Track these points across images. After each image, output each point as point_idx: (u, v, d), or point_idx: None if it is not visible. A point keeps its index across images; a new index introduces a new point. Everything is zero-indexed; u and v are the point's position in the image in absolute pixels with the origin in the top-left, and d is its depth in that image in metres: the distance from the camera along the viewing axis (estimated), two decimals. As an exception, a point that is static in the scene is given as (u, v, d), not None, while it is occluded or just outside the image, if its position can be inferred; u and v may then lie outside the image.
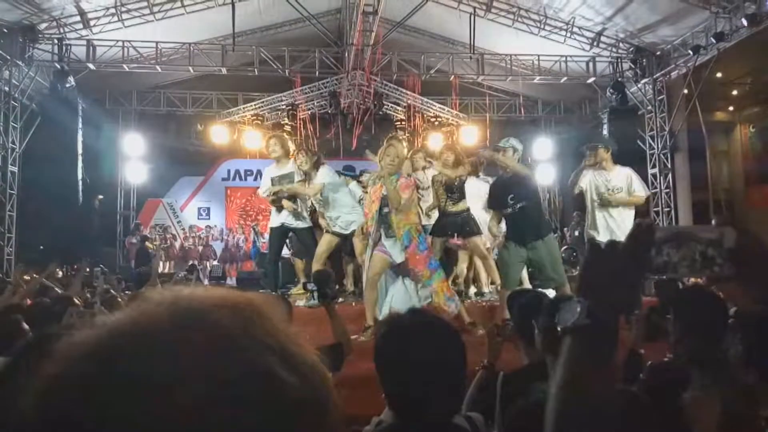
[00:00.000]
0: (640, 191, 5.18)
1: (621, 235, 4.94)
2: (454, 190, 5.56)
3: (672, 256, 0.88)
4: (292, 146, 6.97)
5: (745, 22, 8.33)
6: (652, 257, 0.87)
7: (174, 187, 14.95)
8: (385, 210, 4.60)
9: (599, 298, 0.80)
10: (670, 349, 2.16)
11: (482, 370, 2.44)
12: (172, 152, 13.75)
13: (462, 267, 6.31)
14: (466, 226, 5.54)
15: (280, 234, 5.79)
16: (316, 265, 5.51)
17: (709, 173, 13.04)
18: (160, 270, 12.19)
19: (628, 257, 0.84)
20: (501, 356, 2.51)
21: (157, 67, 10.68)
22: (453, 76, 11.55)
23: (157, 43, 10.43)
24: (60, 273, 10.18)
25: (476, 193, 5.89)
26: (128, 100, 12.99)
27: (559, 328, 0.82)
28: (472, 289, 6.41)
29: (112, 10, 9.75)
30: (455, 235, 5.61)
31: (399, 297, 4.74)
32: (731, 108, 14.05)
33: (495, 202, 4.83)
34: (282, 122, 12.78)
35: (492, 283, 6.12)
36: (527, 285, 5.34)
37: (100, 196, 13.10)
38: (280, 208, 5.62)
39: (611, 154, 5.20)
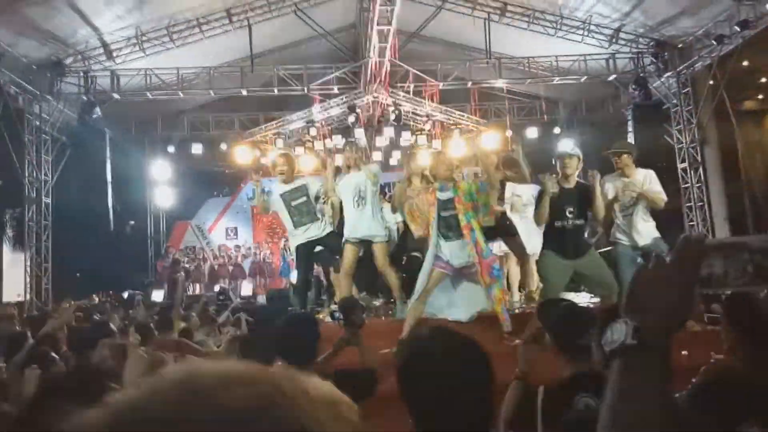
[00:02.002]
0: (659, 189, 5.00)
1: (643, 240, 4.83)
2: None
3: (718, 267, 0.83)
4: (297, 165, 6.95)
5: (769, 8, 8.11)
6: (701, 271, 0.82)
7: (201, 210, 15.19)
8: (446, 213, 4.50)
9: (647, 316, 0.76)
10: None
11: (516, 382, 2.38)
12: (197, 175, 14.02)
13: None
14: (507, 229, 5.48)
15: (307, 250, 5.75)
16: (345, 280, 5.48)
17: (741, 164, 12.67)
18: (189, 292, 12.41)
19: (676, 272, 0.79)
20: (535, 368, 2.44)
21: (180, 92, 10.92)
22: (470, 83, 11.52)
23: (178, 69, 10.66)
24: (96, 299, 10.46)
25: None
26: (154, 127, 13.29)
27: (606, 350, 0.79)
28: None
29: (134, 40, 10.02)
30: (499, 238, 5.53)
31: (466, 301, 4.63)
32: (761, 96, 13.64)
33: (551, 213, 4.49)
34: (303, 139, 12.92)
35: (521, 289, 6.02)
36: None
37: (132, 222, 13.39)
38: (296, 222, 5.55)
39: (633, 160, 5.05)
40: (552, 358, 2.45)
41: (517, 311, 5.36)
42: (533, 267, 5.38)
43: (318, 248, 5.68)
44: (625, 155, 4.98)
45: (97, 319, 6.38)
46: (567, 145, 4.57)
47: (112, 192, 11.54)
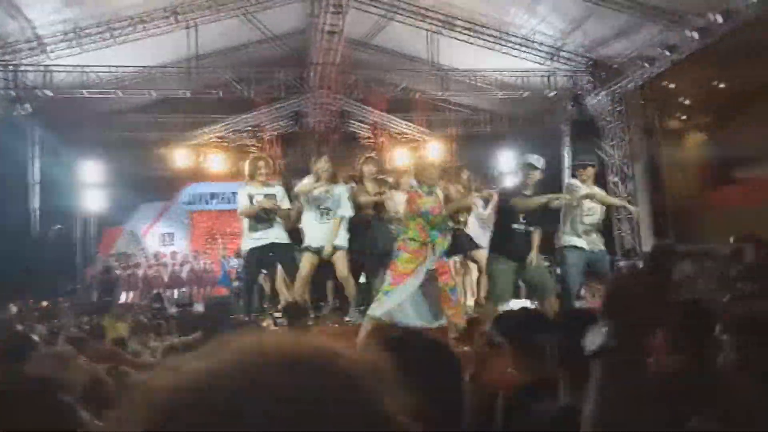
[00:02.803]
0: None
1: (596, 247, 5.09)
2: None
3: (688, 274, 0.92)
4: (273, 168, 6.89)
5: (696, 35, 8.72)
6: (672, 278, 0.90)
7: (135, 214, 14.54)
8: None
9: (624, 320, 0.82)
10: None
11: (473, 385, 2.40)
12: (132, 179, 13.40)
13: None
14: (471, 243, 5.60)
15: (259, 256, 5.65)
16: (299, 287, 5.40)
17: (665, 179, 13.53)
18: (122, 300, 11.84)
19: (650, 279, 0.87)
20: (494, 375, 2.47)
21: (118, 92, 10.45)
22: (416, 94, 11.69)
23: (117, 67, 10.21)
24: (14, 309, 9.76)
25: None
26: (88, 126, 12.62)
27: (586, 352, 0.85)
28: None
29: (71, 35, 9.51)
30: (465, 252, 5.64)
31: (415, 309, 4.63)
32: (684, 117, 14.64)
33: (505, 212, 4.75)
34: (247, 144, 12.67)
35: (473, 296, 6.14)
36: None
37: (58, 226, 12.63)
38: (259, 226, 5.47)
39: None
40: (509, 364, 2.50)
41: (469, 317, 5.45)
42: None
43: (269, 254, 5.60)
44: (590, 167, 5.25)
45: (19, 330, 5.97)
46: (533, 158, 4.81)
47: (39, 194, 10.83)
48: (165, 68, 10.66)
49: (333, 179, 5.44)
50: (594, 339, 0.83)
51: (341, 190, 5.42)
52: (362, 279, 5.67)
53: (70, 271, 12.76)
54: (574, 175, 5.56)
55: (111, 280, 11.12)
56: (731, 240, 5.47)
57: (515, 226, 4.60)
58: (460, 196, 5.42)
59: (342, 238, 5.35)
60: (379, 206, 5.54)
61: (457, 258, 5.71)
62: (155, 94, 10.87)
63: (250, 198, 5.56)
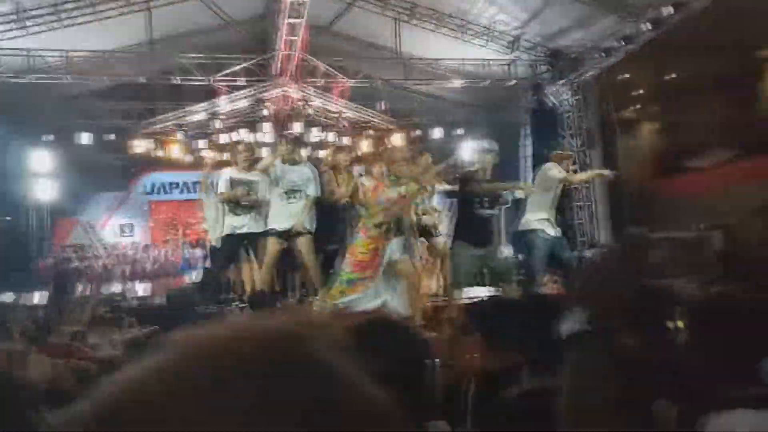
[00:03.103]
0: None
1: (557, 232, 5.23)
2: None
3: (657, 261, 0.95)
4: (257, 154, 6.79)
5: (648, 26, 8.97)
6: (645, 264, 0.92)
7: (91, 205, 14.06)
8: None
9: (598, 306, 0.84)
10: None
11: (441, 370, 2.44)
12: (87, 168, 12.91)
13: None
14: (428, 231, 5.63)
15: (234, 242, 5.57)
16: (264, 274, 5.36)
17: (621, 168, 13.94)
18: (80, 293, 11.45)
19: (622, 265, 0.88)
20: (464, 360, 2.52)
21: (68, 77, 10.03)
22: (380, 81, 11.65)
23: (66, 51, 9.78)
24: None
25: None
26: (36, 113, 12.07)
27: (562, 336, 0.86)
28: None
29: (13, 17, 9.05)
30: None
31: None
32: (639, 106, 15.07)
33: (466, 198, 4.80)
34: (207, 132, 12.38)
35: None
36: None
37: (7, 218, 12.09)
38: (238, 212, 5.40)
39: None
40: (479, 349, 2.55)
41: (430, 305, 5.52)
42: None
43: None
44: (571, 157, 5.41)
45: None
46: (486, 142, 4.90)
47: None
48: (118, 53, 10.28)
49: (298, 158, 5.43)
50: (568, 324, 0.84)
51: (309, 170, 5.39)
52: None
53: (20, 264, 12.25)
54: (547, 160, 5.70)
55: (67, 273, 10.74)
56: (700, 228, 5.69)
57: (478, 211, 4.67)
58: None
59: (308, 222, 5.33)
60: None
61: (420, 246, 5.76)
62: (108, 80, 10.47)
63: (231, 183, 5.47)
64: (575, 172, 11.33)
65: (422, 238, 5.67)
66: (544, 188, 5.24)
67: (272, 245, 5.27)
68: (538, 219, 5.24)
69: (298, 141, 5.84)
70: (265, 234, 5.42)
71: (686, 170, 14.45)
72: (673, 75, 12.85)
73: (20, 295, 9.90)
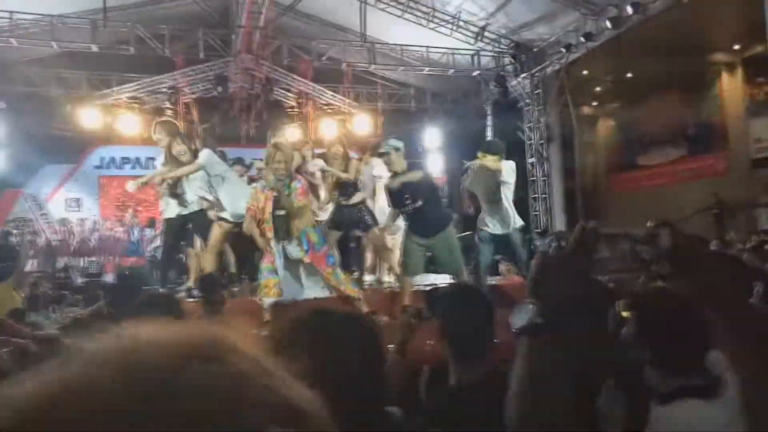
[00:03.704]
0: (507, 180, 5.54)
1: (504, 228, 5.32)
2: (348, 185, 5.64)
3: (604, 254, 0.97)
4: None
5: (609, 24, 9.17)
6: (597, 257, 0.94)
7: (36, 177, 13.43)
8: (279, 213, 4.48)
9: (550, 299, 0.85)
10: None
11: (396, 357, 2.44)
12: (33, 138, 12.30)
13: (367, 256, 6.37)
14: (362, 220, 5.61)
15: (177, 225, 5.42)
16: (209, 257, 5.25)
17: (577, 163, 14.31)
18: (22, 268, 10.96)
19: (574, 259, 0.90)
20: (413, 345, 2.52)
21: (12, 40, 9.49)
22: (345, 64, 11.52)
23: (11, 12, 9.25)
24: None
25: (371, 181, 5.96)
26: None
27: (514, 329, 0.86)
28: (370, 277, 6.47)
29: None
30: (352, 228, 5.66)
31: (314, 287, 4.66)
32: (596, 103, 15.45)
33: (393, 201, 4.94)
34: (162, 106, 11.98)
35: (390, 270, 6.23)
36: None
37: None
38: (175, 196, 5.26)
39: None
40: (431, 336, 2.56)
41: (385, 291, 5.55)
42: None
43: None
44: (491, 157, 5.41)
45: None
46: (392, 141, 4.94)
47: None
48: (69, 19, 9.78)
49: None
50: (520, 316, 0.85)
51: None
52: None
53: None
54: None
55: (8, 247, 10.24)
56: (648, 224, 5.84)
57: (403, 208, 4.79)
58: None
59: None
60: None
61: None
62: (57, 46, 9.96)
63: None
64: (524, 166, 11.51)
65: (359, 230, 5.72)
66: (480, 186, 5.39)
67: (217, 229, 5.22)
68: (481, 217, 5.42)
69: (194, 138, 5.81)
70: (204, 218, 5.40)
71: (639, 166, 14.99)
72: (631, 73, 13.24)
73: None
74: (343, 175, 5.65)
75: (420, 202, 4.69)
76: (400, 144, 4.86)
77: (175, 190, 5.33)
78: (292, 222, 4.46)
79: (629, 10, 8.83)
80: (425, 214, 4.73)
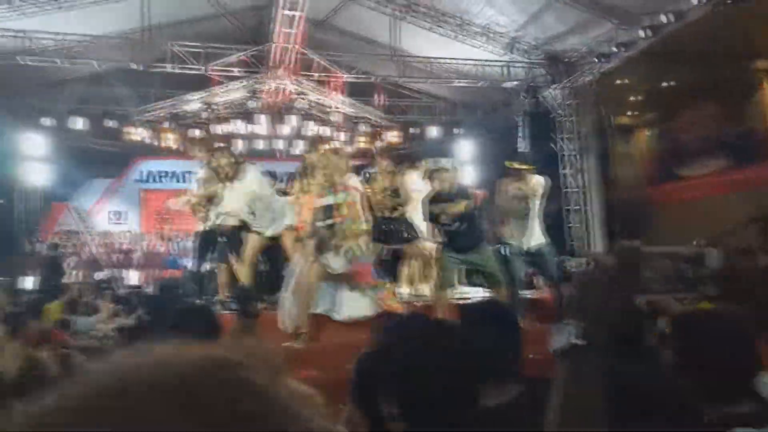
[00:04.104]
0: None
1: (533, 242, 5.26)
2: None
3: (647, 275, 0.93)
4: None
5: (642, 34, 9.00)
6: (639, 278, 0.92)
7: (82, 190, 13.96)
8: (321, 223, 4.50)
9: (590, 319, 0.82)
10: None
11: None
12: (79, 153, 12.82)
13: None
14: (404, 232, 5.61)
15: (212, 238, 5.54)
16: (244, 269, 5.33)
17: (614, 174, 14.00)
18: (67, 280, 11.38)
19: (616, 279, 0.88)
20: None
21: (57, 60, 9.94)
22: (376, 78, 11.63)
23: (60, 34, 9.70)
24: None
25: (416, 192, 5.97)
26: (29, 96, 11.96)
27: (552, 350, 0.84)
28: (407, 290, 6.43)
29: (9, -2, 8.97)
30: (394, 241, 5.66)
31: (353, 304, 4.66)
32: (633, 113, 15.12)
33: (432, 218, 4.91)
34: (199, 121, 12.32)
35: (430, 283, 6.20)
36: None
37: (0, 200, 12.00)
38: (210, 210, 5.38)
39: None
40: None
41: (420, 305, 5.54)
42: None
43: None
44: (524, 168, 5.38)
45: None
46: (446, 161, 4.94)
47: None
48: (110, 38, 10.18)
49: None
50: (560, 337, 0.84)
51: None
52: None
53: (10, 248, 12.15)
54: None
55: (55, 259, 10.67)
56: (694, 243, 5.64)
57: (442, 226, 4.76)
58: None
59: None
60: None
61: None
62: (100, 65, 10.36)
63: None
64: (558, 177, 11.29)
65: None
66: (505, 201, 5.33)
67: (252, 240, 5.29)
68: (508, 231, 5.34)
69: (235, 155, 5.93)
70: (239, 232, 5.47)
71: (679, 177, 14.54)
72: (668, 82, 12.92)
73: (7, 280, 9.82)
74: (400, 200, 5.62)
75: (463, 225, 4.69)
76: (449, 164, 4.90)
77: (210, 204, 5.44)
78: (338, 234, 4.48)
79: (665, 18, 8.65)
80: (464, 232, 4.72)
